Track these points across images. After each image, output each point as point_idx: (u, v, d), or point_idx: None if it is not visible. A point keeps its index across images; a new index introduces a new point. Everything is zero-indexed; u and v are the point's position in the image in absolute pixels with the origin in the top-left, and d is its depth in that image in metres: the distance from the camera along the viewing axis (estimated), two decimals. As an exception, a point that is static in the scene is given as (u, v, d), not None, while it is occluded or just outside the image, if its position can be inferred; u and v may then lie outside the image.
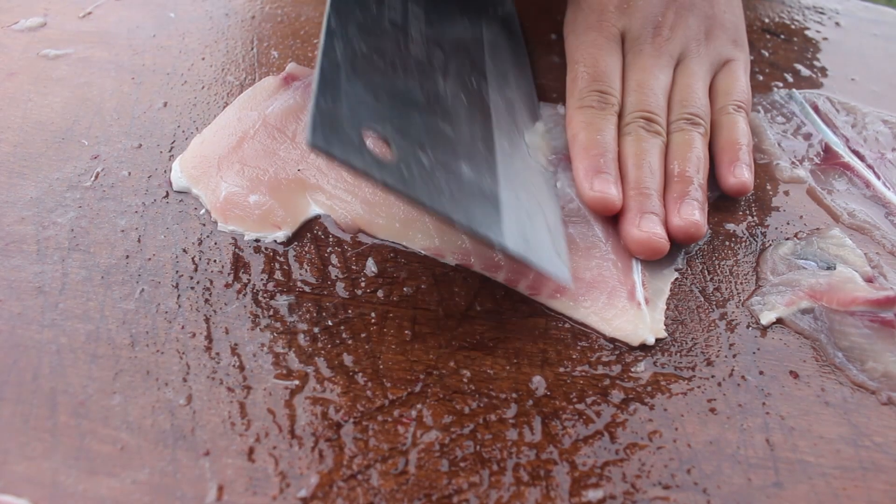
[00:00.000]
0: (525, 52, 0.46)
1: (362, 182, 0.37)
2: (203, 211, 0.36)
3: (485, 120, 0.36)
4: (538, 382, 0.31)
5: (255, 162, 0.37)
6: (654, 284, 0.34)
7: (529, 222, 0.33)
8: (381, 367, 0.31)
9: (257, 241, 0.35)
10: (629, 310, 0.33)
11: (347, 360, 0.31)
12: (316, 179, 0.37)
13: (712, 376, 0.32)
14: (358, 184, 0.37)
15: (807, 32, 0.52)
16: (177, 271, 0.33)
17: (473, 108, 0.36)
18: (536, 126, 0.41)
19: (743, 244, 0.37)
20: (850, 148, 0.42)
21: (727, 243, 0.37)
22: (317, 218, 0.36)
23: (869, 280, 0.35)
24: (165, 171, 0.37)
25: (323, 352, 0.31)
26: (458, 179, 0.31)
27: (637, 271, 0.34)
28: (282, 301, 0.33)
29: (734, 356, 0.32)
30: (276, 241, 0.35)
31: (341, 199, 0.36)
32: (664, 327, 0.33)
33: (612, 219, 0.36)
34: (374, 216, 0.36)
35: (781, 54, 0.49)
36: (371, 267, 0.34)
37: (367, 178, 0.27)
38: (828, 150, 0.42)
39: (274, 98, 0.40)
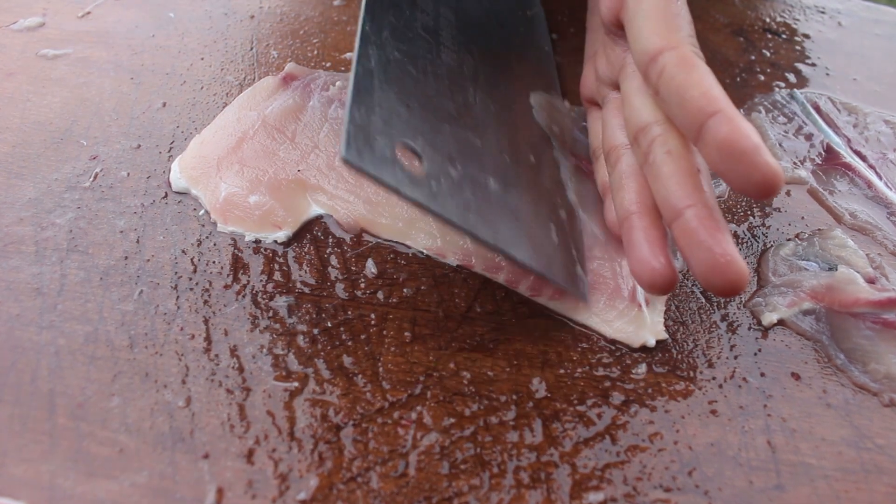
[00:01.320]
0: (551, 52, 0.46)
1: (370, 185, 0.37)
2: (202, 212, 0.36)
3: (511, 130, 0.36)
4: (538, 384, 0.31)
5: (254, 162, 0.37)
6: None
7: (551, 236, 0.33)
8: (381, 368, 0.31)
9: (257, 241, 0.35)
10: (630, 311, 0.33)
11: (347, 361, 0.31)
12: (317, 180, 0.37)
13: (713, 378, 0.32)
14: (359, 183, 0.37)
15: (808, 32, 0.52)
16: (176, 272, 0.33)
17: (501, 117, 0.36)
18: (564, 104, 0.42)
19: (744, 245, 0.37)
20: (851, 148, 0.42)
21: (728, 244, 0.37)
22: (318, 218, 0.36)
23: (871, 281, 0.34)
24: (164, 172, 0.37)
25: (322, 353, 0.31)
26: (485, 194, 0.31)
27: None
28: (281, 302, 0.33)
29: (735, 358, 0.32)
30: (276, 241, 0.35)
31: (343, 199, 0.36)
32: (664, 328, 0.33)
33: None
34: (376, 216, 0.36)
35: (783, 54, 0.49)
36: (371, 268, 0.34)
37: (397, 194, 0.27)
38: (829, 151, 0.42)
39: (273, 98, 0.40)
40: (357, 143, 0.27)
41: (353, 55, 0.31)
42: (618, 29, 0.35)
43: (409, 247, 0.35)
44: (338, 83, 0.41)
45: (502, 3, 0.44)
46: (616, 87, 0.37)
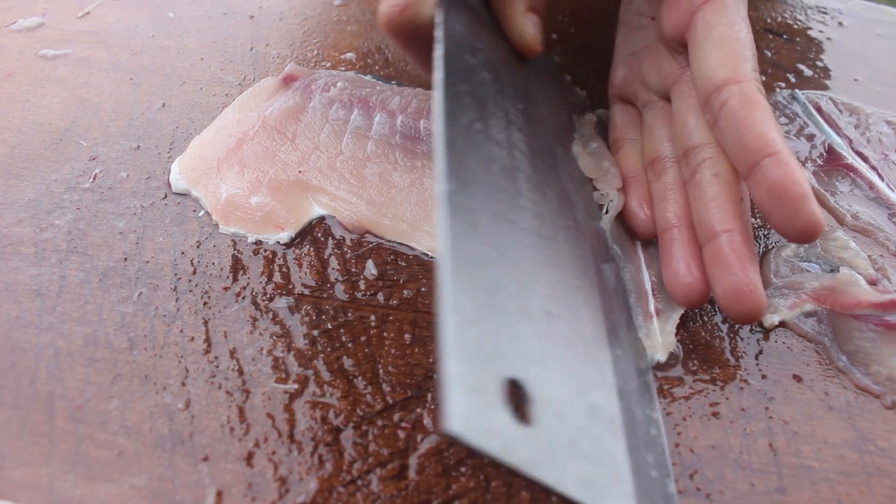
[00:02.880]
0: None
1: (373, 186, 0.36)
2: (202, 213, 0.36)
3: (594, 302, 0.30)
4: (539, 386, 0.31)
5: (254, 164, 0.37)
6: (665, 295, 0.33)
7: (651, 453, 0.28)
8: (381, 370, 0.30)
9: (257, 243, 0.34)
10: (640, 324, 0.32)
11: (347, 363, 0.31)
12: (318, 181, 0.37)
13: (715, 380, 0.31)
14: (362, 184, 0.37)
15: (809, 32, 0.51)
16: (175, 274, 0.33)
17: (589, 289, 0.31)
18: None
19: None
20: (853, 149, 0.42)
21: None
22: (321, 219, 0.36)
23: (873, 283, 0.34)
24: (164, 173, 0.37)
25: (322, 355, 0.31)
26: (591, 429, 0.25)
27: (647, 279, 0.34)
28: (281, 304, 0.32)
29: (737, 360, 0.32)
30: (279, 242, 0.34)
31: (345, 199, 0.36)
32: (675, 339, 0.32)
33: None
34: (380, 217, 0.36)
35: (784, 54, 0.49)
36: (371, 269, 0.34)
37: (514, 468, 0.21)
38: (831, 152, 0.42)
39: (273, 99, 0.40)
40: (464, 400, 0.21)
41: (439, 227, 0.24)
42: (680, 46, 0.35)
43: (412, 248, 0.35)
44: (339, 84, 0.41)
45: (557, 108, 0.40)
46: (663, 96, 0.37)
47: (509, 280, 0.26)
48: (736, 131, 0.30)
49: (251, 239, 0.35)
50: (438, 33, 0.31)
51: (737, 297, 0.29)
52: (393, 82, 0.43)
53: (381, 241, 0.35)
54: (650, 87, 0.37)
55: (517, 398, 0.23)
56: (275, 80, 0.41)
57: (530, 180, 0.31)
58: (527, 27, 0.36)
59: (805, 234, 0.28)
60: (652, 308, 0.33)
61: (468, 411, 0.21)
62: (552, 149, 0.36)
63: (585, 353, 0.28)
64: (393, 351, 0.31)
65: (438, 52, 0.30)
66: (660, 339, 0.32)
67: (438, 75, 0.29)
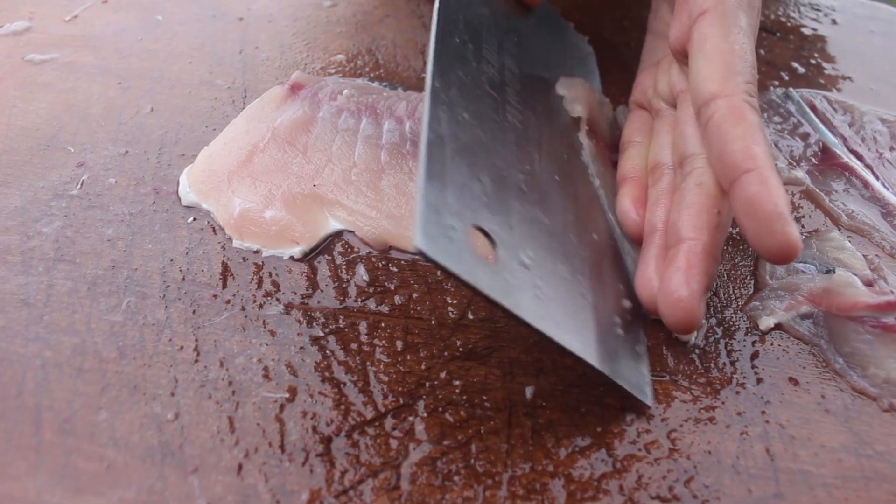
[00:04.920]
0: (599, 90, 0.43)
1: (391, 198, 0.36)
2: (191, 219, 0.35)
3: (573, 200, 0.34)
4: (533, 392, 0.30)
5: (266, 177, 0.36)
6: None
7: (618, 331, 0.31)
8: (373, 378, 0.30)
9: (256, 252, 0.34)
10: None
11: (338, 371, 0.30)
12: (334, 195, 0.35)
13: (710, 384, 0.31)
14: (380, 197, 0.36)
15: (803, 30, 0.51)
16: (164, 282, 0.33)
17: (563, 186, 0.34)
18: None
19: (740, 248, 0.36)
20: (848, 148, 0.41)
21: (724, 247, 0.36)
22: (338, 234, 0.35)
23: (869, 284, 0.34)
24: (153, 179, 0.37)
25: (313, 363, 0.30)
26: (554, 283, 0.29)
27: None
28: (271, 311, 0.32)
29: (732, 363, 0.32)
30: (292, 257, 0.34)
31: (364, 214, 0.35)
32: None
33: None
34: (402, 230, 0.34)
35: (778, 52, 0.49)
36: (362, 275, 0.34)
37: (475, 292, 0.25)
38: (826, 151, 0.41)
39: (282, 109, 0.39)
40: (431, 228, 0.25)
41: (423, 115, 0.28)
42: (683, 57, 0.35)
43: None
44: (345, 91, 0.40)
45: (556, 48, 0.42)
46: (672, 103, 0.37)
47: (486, 161, 0.30)
48: (718, 147, 0.30)
49: (266, 254, 0.34)
50: None
51: (669, 303, 0.29)
52: (399, 88, 0.42)
53: (409, 255, 0.34)
54: (661, 94, 0.38)
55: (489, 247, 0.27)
56: (282, 89, 0.40)
57: (519, 95, 0.35)
58: None
59: (777, 255, 0.28)
60: None
61: (435, 236, 0.25)
62: (544, 81, 0.39)
63: (561, 228, 0.32)
64: (384, 358, 0.31)
65: None
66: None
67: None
